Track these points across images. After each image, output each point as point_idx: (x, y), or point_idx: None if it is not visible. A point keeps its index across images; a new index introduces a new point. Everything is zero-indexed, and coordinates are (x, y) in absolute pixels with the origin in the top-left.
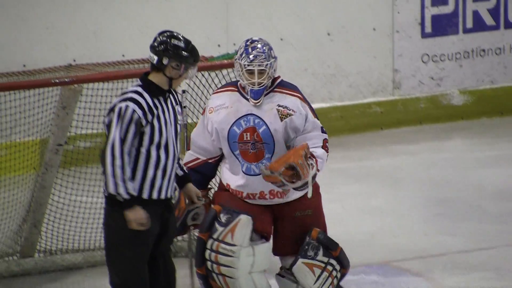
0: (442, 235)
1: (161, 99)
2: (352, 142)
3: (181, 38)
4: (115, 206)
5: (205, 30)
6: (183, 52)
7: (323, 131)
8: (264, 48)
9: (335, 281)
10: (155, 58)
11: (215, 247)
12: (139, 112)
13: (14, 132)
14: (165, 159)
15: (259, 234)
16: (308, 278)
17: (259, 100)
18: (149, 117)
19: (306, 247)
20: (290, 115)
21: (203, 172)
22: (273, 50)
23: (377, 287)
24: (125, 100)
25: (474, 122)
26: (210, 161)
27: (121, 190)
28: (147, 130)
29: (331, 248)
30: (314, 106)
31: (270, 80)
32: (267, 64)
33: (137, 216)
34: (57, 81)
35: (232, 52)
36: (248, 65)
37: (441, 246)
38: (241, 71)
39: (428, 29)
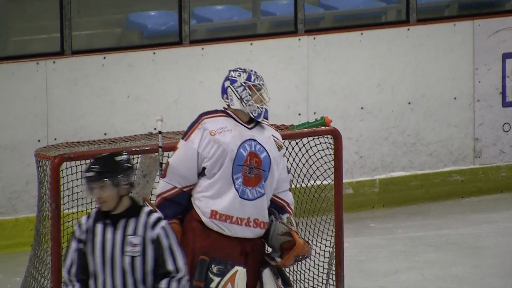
0: None
1: (106, 223)
2: (432, 211)
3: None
4: None
5: (285, 99)
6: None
7: (288, 171)
8: (255, 71)
9: None
10: None
11: None
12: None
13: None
14: None
15: None
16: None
17: (266, 120)
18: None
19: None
20: (282, 147)
21: (179, 202)
22: None
23: None
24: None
25: None
26: (185, 189)
27: None
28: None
29: (288, 284)
30: (395, 174)
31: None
32: (265, 85)
33: None
34: (137, 149)
35: (312, 120)
36: (258, 83)
37: None
38: (255, 91)
39: (510, 98)
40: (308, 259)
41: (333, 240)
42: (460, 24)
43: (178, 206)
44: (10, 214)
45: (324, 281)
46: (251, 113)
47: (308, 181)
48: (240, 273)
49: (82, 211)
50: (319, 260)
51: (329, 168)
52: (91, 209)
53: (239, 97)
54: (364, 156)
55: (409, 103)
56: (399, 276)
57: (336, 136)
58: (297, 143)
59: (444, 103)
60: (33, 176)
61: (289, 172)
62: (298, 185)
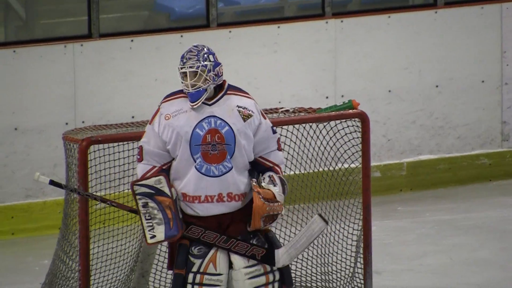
0: None
1: None
2: (460, 194)
3: None
4: None
5: (313, 82)
6: None
7: (274, 131)
8: (200, 52)
9: None
10: None
11: (198, 280)
12: None
13: (122, 182)
14: None
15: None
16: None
17: (196, 102)
18: None
19: (252, 238)
20: (251, 115)
21: None
22: (215, 55)
23: None
24: None
25: None
26: (164, 167)
27: None
28: None
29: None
30: (422, 157)
31: (210, 85)
32: (199, 66)
33: None
34: None
35: (340, 103)
36: (182, 67)
37: None
38: (179, 75)
39: None
40: (336, 243)
41: (360, 223)
42: (488, 7)
43: None
44: (38, 197)
45: (352, 264)
46: (189, 98)
47: (336, 164)
48: (221, 251)
49: (109, 194)
50: (346, 243)
51: (356, 151)
52: (119, 192)
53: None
54: (391, 139)
55: (437, 86)
56: (427, 260)
57: (363, 119)
58: (324, 126)
59: (471, 86)
60: (61, 159)
61: (275, 132)
62: (325, 168)
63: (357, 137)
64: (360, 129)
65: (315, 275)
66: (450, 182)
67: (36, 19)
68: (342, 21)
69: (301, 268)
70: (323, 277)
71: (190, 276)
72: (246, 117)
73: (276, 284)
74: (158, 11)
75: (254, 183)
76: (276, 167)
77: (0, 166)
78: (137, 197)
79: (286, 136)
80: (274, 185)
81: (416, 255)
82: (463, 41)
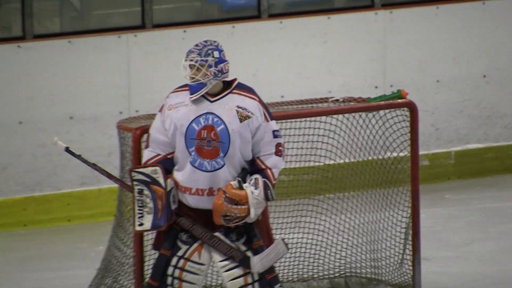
0: None
1: None
2: (507, 182)
3: None
4: None
5: (362, 72)
6: None
7: (276, 136)
8: (204, 46)
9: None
10: None
11: (181, 264)
12: None
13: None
14: None
15: None
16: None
17: (195, 95)
18: None
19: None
20: (249, 117)
21: (166, 167)
22: (222, 52)
23: None
24: None
25: None
26: (169, 156)
27: None
28: None
29: (254, 241)
30: (470, 146)
31: (211, 80)
32: (197, 60)
33: None
34: None
35: (389, 93)
36: (185, 60)
37: None
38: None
39: None
40: (385, 230)
41: (409, 211)
42: None
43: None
44: (93, 184)
45: (401, 251)
46: (189, 89)
47: (385, 153)
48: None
49: None
50: (395, 230)
51: (405, 140)
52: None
53: None
54: (439, 128)
55: (484, 76)
56: (475, 247)
57: (412, 108)
58: (373, 116)
59: None
60: (115, 147)
61: (276, 137)
62: (375, 157)
63: (406, 126)
64: (409, 119)
65: (364, 261)
66: (497, 171)
67: (91, 10)
68: (391, 12)
69: (350, 255)
70: (372, 263)
71: (174, 259)
72: (243, 118)
73: (256, 285)
74: (210, 2)
75: (231, 182)
76: (268, 170)
77: (55, 154)
78: (134, 183)
79: (336, 125)
80: (256, 188)
81: (464, 242)
82: (510, 32)
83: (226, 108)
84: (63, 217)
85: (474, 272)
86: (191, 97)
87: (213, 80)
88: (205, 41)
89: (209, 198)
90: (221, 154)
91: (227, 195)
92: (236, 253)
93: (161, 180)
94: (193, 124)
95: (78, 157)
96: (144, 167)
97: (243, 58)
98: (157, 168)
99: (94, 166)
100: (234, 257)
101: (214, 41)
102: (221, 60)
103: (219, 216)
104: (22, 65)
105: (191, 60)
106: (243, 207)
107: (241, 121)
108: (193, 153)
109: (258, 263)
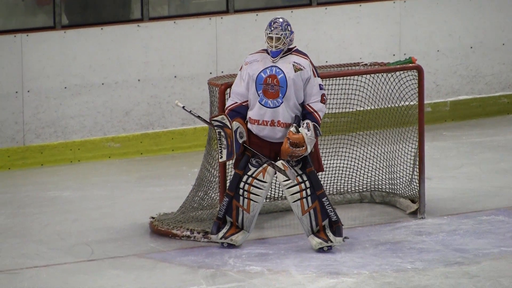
0: None
1: None
2: (487, 123)
3: None
4: None
5: (383, 44)
6: None
7: (321, 88)
8: (282, 23)
9: (304, 200)
10: None
11: (249, 181)
12: None
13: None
14: None
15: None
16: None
17: (276, 58)
18: None
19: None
20: (301, 69)
21: (240, 111)
22: (290, 26)
23: (504, 224)
24: None
25: None
26: (244, 104)
27: None
28: None
29: (307, 166)
30: (461, 98)
31: (286, 47)
32: (281, 34)
33: None
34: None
35: (403, 59)
36: (269, 33)
37: None
38: (266, 38)
39: None
40: (400, 157)
41: (416, 144)
42: None
43: (239, 114)
44: (190, 124)
45: (410, 172)
46: (271, 54)
47: (399, 102)
48: (270, 167)
49: None
50: (406, 157)
51: (414, 93)
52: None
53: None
54: (439, 85)
55: (471, 47)
56: (463, 169)
57: (419, 70)
58: (392, 75)
59: (496, 48)
60: (206, 98)
61: (321, 89)
62: (392, 105)
63: (415, 83)
64: (417, 78)
65: (384, 180)
66: (481, 115)
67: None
68: (405, 1)
69: (374, 175)
70: (390, 181)
71: (245, 177)
72: (297, 69)
73: (309, 190)
74: None
75: (290, 129)
76: (316, 113)
77: (164, 102)
78: (215, 127)
79: (364, 82)
80: (308, 130)
81: (456, 166)
82: (491, 16)
83: (286, 62)
84: (169, 148)
85: (463, 187)
86: (274, 60)
87: (287, 47)
88: (281, 18)
89: (271, 128)
90: (280, 95)
91: (291, 140)
92: (290, 173)
93: (228, 124)
94: (262, 73)
95: (190, 111)
96: (216, 116)
97: (299, 34)
98: (224, 116)
99: (198, 117)
100: (288, 176)
101: (284, 18)
102: (291, 32)
103: (286, 156)
104: (141, 40)
105: (277, 34)
106: (303, 148)
107: (295, 71)
108: (260, 94)
109: (290, 174)
